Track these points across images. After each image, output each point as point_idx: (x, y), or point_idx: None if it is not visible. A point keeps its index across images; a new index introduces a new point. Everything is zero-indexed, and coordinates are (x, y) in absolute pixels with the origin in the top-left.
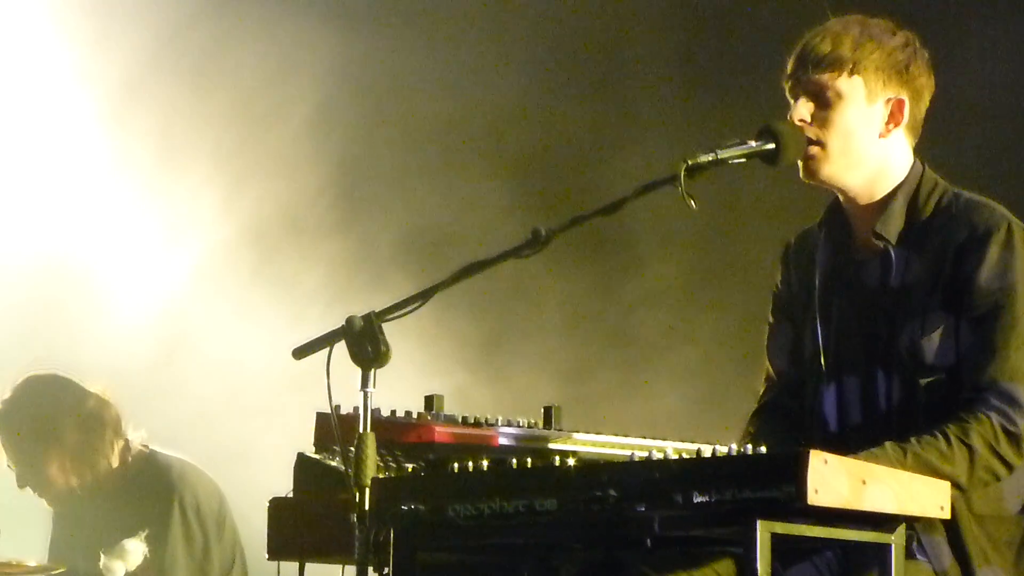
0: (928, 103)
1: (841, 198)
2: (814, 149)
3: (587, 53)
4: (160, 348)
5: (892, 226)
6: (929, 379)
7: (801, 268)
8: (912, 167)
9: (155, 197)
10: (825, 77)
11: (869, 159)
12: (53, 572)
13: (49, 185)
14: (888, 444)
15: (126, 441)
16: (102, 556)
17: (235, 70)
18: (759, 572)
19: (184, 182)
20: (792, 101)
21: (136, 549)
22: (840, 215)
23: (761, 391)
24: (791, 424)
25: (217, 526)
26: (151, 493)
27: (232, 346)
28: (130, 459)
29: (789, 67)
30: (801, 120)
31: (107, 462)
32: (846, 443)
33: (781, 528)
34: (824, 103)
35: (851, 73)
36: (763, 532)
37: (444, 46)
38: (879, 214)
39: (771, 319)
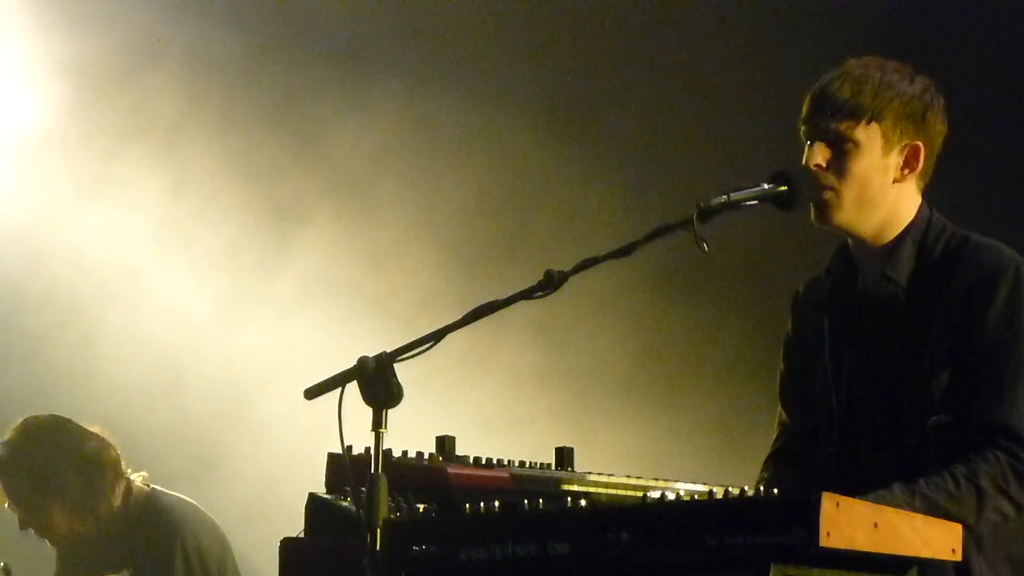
0: (940, 147)
1: (850, 242)
2: (828, 195)
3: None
4: (163, 384)
5: (902, 269)
6: (937, 419)
7: (811, 314)
8: (920, 209)
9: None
10: (843, 126)
11: (882, 205)
12: None
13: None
14: (896, 485)
15: (128, 481)
16: None
17: None
18: None
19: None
20: (807, 144)
21: None
22: (848, 259)
23: (774, 436)
24: (804, 469)
25: (219, 567)
26: (153, 534)
27: (239, 382)
28: (131, 500)
29: (805, 110)
30: (816, 166)
31: (108, 504)
32: (856, 485)
33: (794, 572)
34: (841, 151)
35: (869, 122)
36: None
37: None
38: (888, 257)
39: (782, 366)
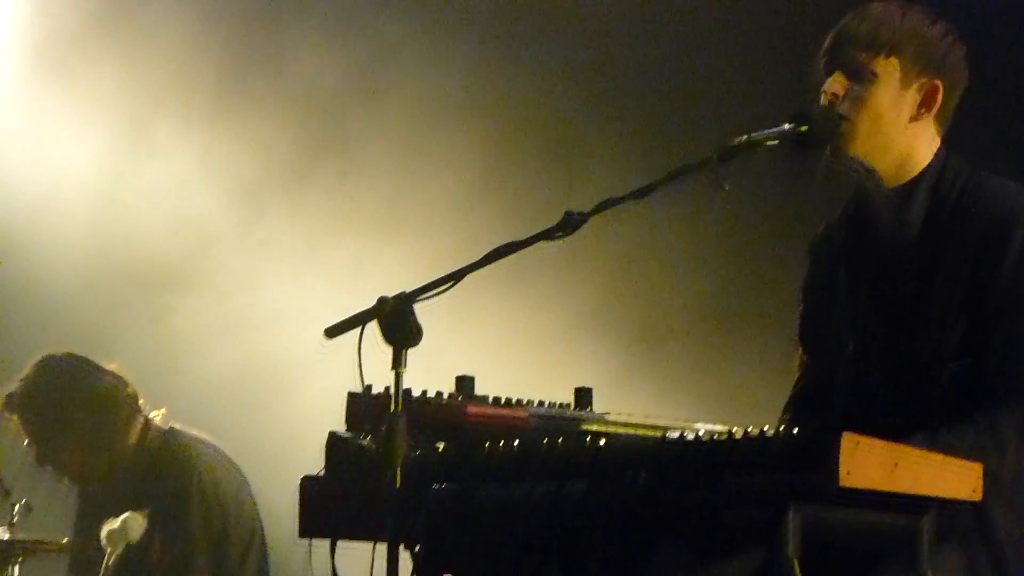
0: (961, 96)
1: (867, 185)
2: (843, 125)
3: None
4: (188, 321)
5: (916, 213)
6: (955, 366)
7: (828, 258)
8: (937, 153)
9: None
10: (862, 56)
11: (897, 142)
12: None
13: None
14: (918, 434)
15: (146, 419)
16: (103, 528)
17: None
18: (790, 555)
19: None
20: (826, 77)
21: (135, 523)
22: (864, 203)
23: (795, 378)
24: (823, 413)
25: (236, 505)
26: (170, 472)
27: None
28: (149, 437)
29: (826, 44)
30: (833, 94)
31: (124, 441)
32: (874, 431)
33: (814, 511)
34: (858, 81)
35: (888, 55)
36: (795, 515)
37: None
38: (904, 201)
39: (801, 308)
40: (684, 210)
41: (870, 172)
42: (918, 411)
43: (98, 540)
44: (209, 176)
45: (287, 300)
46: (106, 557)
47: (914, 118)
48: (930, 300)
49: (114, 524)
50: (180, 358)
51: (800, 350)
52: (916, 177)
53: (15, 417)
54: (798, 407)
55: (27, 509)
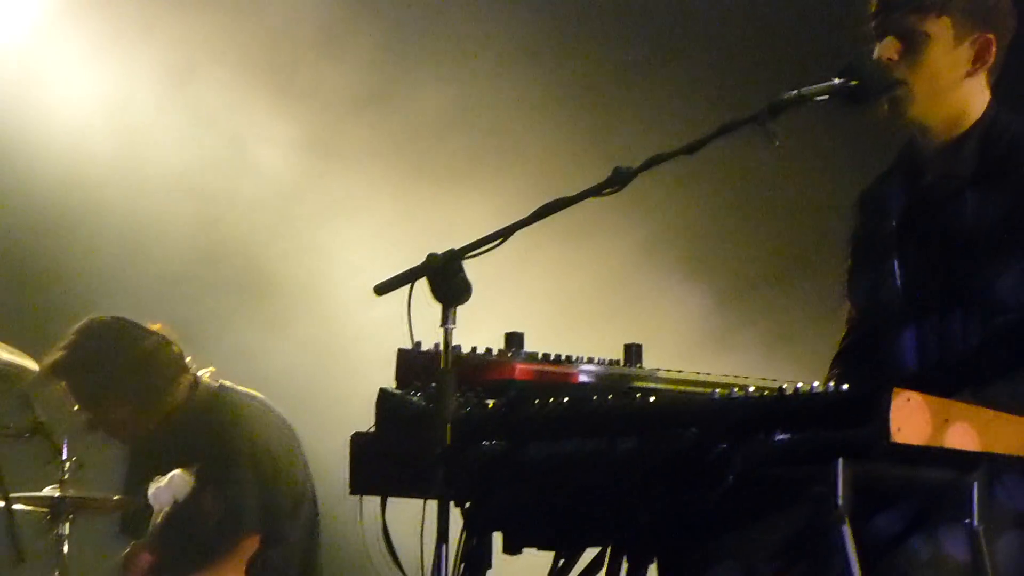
0: (1009, 44)
1: (917, 138)
2: (901, 89)
3: None
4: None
5: (967, 166)
6: (1005, 319)
7: (877, 212)
8: (988, 106)
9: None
10: (913, 18)
11: (952, 99)
12: (131, 506)
13: None
14: (966, 391)
15: (195, 377)
16: (150, 487)
17: None
18: (840, 511)
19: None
20: (877, 40)
21: (182, 482)
22: (914, 156)
23: (843, 334)
24: (873, 366)
25: (287, 462)
26: (219, 429)
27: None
28: (197, 395)
29: (874, 6)
30: (888, 58)
31: (171, 399)
32: (925, 384)
33: (863, 467)
34: (912, 44)
35: (939, 14)
36: (845, 471)
37: None
38: (954, 154)
39: (850, 263)
40: (734, 164)
41: (924, 129)
42: (969, 365)
43: (148, 498)
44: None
45: (337, 256)
46: (154, 515)
47: (969, 73)
48: (982, 251)
49: (160, 483)
50: (226, 316)
51: (848, 304)
52: (968, 130)
53: (63, 383)
54: (846, 361)
55: (78, 466)
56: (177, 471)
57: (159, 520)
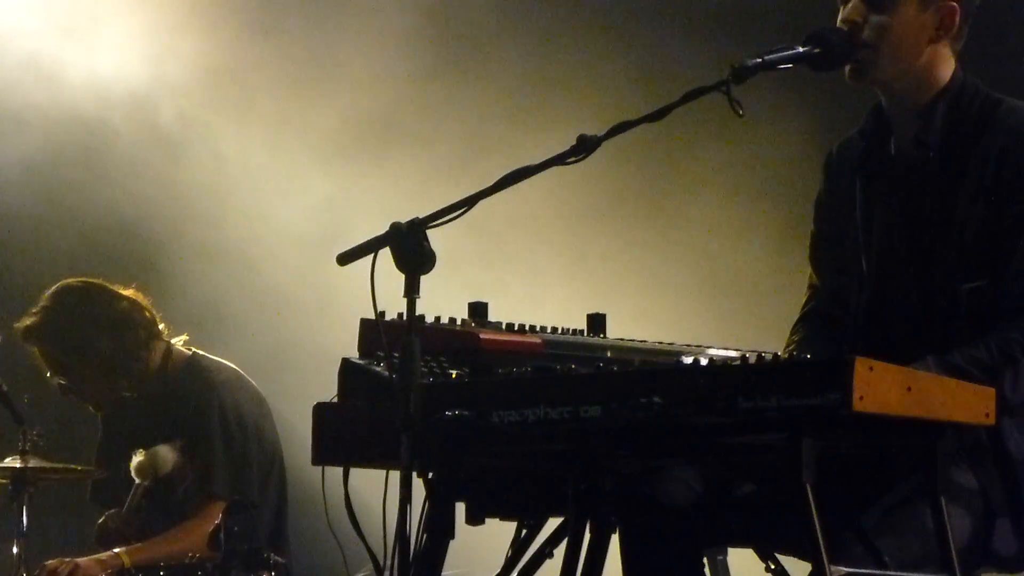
0: (972, 15)
1: (884, 103)
2: (864, 52)
3: None
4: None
5: (934, 132)
6: (971, 286)
7: (843, 176)
8: (954, 73)
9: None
10: None
11: (917, 64)
12: (97, 475)
13: None
14: (930, 358)
15: (168, 344)
16: (133, 458)
17: None
18: (804, 478)
19: None
20: (841, 4)
21: (167, 455)
22: (881, 122)
23: (804, 299)
24: (834, 332)
25: (257, 431)
26: (192, 396)
27: (275, 250)
28: (171, 362)
29: None
30: (852, 22)
31: (144, 366)
32: (888, 350)
33: (826, 435)
34: (877, 6)
35: None
36: (808, 439)
37: None
38: (922, 120)
39: (813, 227)
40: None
41: (890, 93)
42: (933, 332)
43: (125, 469)
44: None
45: (300, 225)
46: (134, 487)
47: (932, 40)
48: (951, 216)
49: (142, 456)
50: (195, 282)
51: (811, 268)
52: (935, 96)
53: (36, 349)
54: (808, 326)
55: (39, 436)
56: (160, 446)
57: (139, 492)
